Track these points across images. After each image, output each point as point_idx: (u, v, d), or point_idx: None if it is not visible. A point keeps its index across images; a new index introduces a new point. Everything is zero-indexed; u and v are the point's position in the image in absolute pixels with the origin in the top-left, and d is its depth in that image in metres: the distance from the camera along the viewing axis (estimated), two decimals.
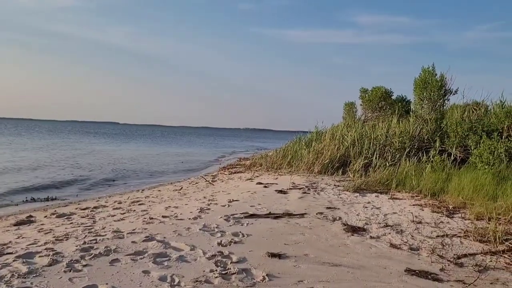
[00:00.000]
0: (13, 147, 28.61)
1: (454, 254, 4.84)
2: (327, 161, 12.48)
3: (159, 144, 48.35)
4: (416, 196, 8.61)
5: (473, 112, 11.91)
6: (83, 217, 6.94)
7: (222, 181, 12.56)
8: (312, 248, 4.96)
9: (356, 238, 5.49)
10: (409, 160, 11.06)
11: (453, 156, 10.15)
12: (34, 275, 3.65)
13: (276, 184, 10.56)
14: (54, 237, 5.10)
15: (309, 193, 9.08)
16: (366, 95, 19.43)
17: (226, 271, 3.97)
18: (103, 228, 5.60)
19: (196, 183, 12.81)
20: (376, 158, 11.80)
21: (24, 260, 4.04)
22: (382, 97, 18.75)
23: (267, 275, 3.93)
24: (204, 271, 3.97)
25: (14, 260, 4.03)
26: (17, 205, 9.73)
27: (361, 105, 20.68)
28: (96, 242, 4.76)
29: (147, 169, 19.37)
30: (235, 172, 15.36)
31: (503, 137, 10.10)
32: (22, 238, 5.24)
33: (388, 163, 11.43)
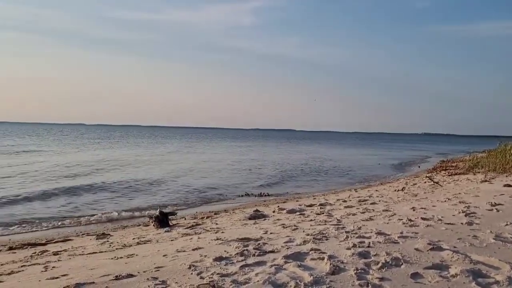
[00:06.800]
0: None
1: None
2: None
3: (352, 147, 47.96)
4: None
5: None
6: (318, 214, 6.01)
7: (449, 183, 10.50)
8: None
9: None
10: None
11: None
12: (323, 286, 2.65)
13: None
14: (307, 234, 4.16)
15: None
16: None
17: None
18: (359, 228, 4.46)
19: (414, 183, 11.04)
20: None
21: (298, 263, 3.12)
22: None
23: None
24: None
25: (286, 262, 3.14)
26: (233, 199, 9.91)
27: None
28: (368, 246, 3.62)
29: (348, 168, 18.55)
30: (454, 174, 13.03)
31: None
32: (270, 233, 4.47)
33: None
